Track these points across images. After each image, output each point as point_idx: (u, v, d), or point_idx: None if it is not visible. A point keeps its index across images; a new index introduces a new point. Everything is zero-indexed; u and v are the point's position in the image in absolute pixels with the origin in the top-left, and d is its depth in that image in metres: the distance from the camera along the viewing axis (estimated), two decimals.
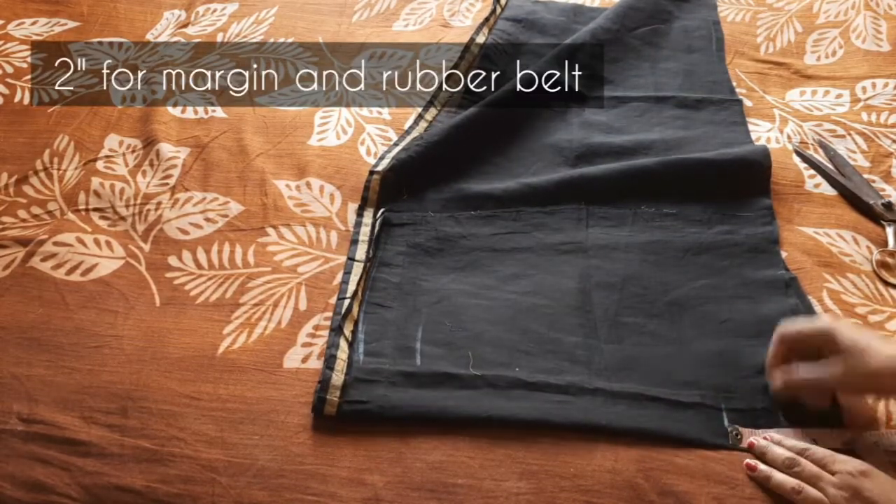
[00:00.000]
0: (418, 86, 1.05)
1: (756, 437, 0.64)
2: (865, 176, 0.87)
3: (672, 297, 0.76)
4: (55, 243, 0.83)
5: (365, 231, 0.84)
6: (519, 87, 0.98)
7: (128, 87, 1.06)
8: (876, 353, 0.60)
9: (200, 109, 1.02)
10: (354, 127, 0.98)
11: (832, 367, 0.62)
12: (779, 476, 0.61)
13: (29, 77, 1.08)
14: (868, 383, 0.61)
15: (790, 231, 0.82)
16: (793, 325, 0.66)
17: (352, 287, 0.77)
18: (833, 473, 0.59)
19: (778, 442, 0.63)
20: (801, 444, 0.62)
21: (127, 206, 0.88)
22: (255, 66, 1.09)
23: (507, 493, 0.61)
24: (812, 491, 0.59)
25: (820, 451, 0.61)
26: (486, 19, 1.15)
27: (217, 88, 1.06)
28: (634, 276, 0.78)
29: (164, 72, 1.07)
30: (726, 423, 0.65)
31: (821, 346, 0.63)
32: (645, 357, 0.71)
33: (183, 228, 0.85)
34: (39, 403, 0.69)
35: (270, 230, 0.85)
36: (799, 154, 0.91)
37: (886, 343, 0.61)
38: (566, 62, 1.04)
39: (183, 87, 1.05)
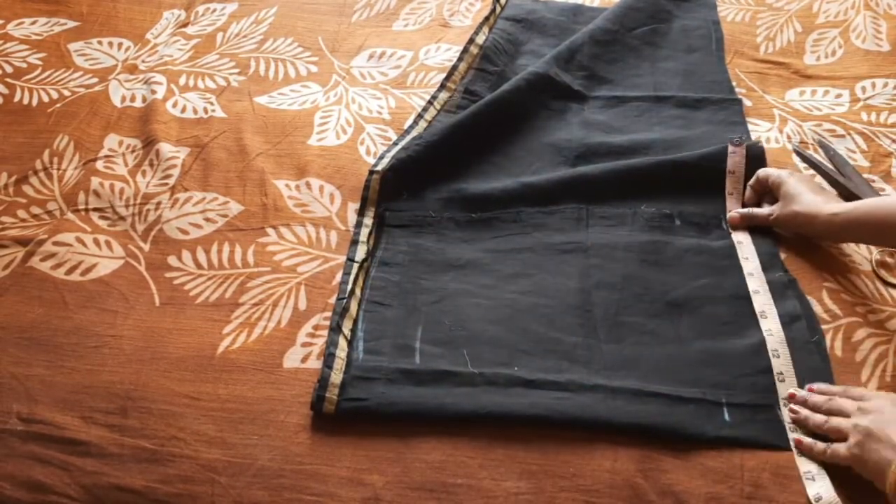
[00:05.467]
0: (418, 86, 1.05)
1: (796, 389, 0.67)
2: (865, 176, 0.87)
3: (672, 297, 0.76)
4: (55, 243, 0.83)
5: (365, 231, 0.84)
6: (519, 86, 0.98)
7: (128, 87, 1.06)
8: (802, 200, 0.77)
9: (200, 109, 1.02)
10: (354, 127, 0.98)
11: (774, 208, 0.80)
12: (812, 417, 0.64)
13: (29, 77, 1.08)
14: (792, 222, 0.79)
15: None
16: (764, 170, 0.83)
17: (351, 286, 0.77)
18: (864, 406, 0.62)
19: (818, 390, 0.66)
20: (839, 388, 0.66)
21: (126, 206, 0.88)
22: (254, 65, 1.09)
23: (507, 493, 0.61)
24: (835, 420, 0.62)
25: (857, 390, 0.65)
26: (486, 19, 1.15)
27: (217, 88, 1.06)
28: (634, 276, 0.78)
29: (164, 72, 1.07)
30: (727, 417, 0.65)
31: (776, 191, 0.81)
32: (645, 356, 0.71)
33: (182, 228, 0.85)
34: (39, 403, 0.69)
35: (270, 230, 0.85)
36: (799, 154, 0.91)
37: (817, 194, 0.78)
38: (566, 62, 1.04)
39: (183, 87, 1.05)
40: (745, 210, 0.83)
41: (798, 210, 0.77)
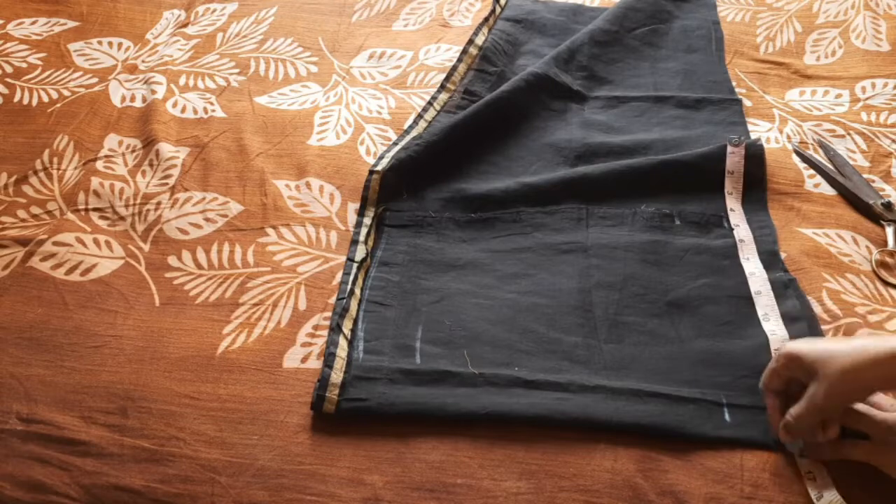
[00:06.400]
0: (418, 86, 1.05)
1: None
2: (865, 176, 0.87)
3: (672, 296, 0.76)
4: (55, 243, 0.83)
5: (365, 231, 0.84)
6: (518, 87, 0.98)
7: (128, 87, 1.06)
8: (842, 353, 0.58)
9: (200, 109, 1.02)
10: (354, 127, 0.98)
11: (813, 391, 0.58)
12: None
13: (29, 77, 1.08)
14: (851, 386, 0.58)
15: (789, 231, 0.82)
16: (765, 373, 0.64)
17: (350, 286, 0.77)
18: None
19: None
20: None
21: (126, 206, 0.88)
22: (254, 65, 1.09)
23: (507, 493, 0.61)
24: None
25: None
26: (486, 19, 1.15)
27: (217, 88, 1.06)
28: (634, 276, 0.78)
29: (164, 72, 1.07)
30: (727, 417, 0.65)
31: (801, 378, 0.60)
32: (645, 356, 0.71)
33: (182, 228, 0.85)
34: (39, 403, 0.69)
35: (270, 230, 0.85)
36: (798, 154, 0.91)
37: (847, 341, 0.60)
38: (565, 62, 1.04)
39: (183, 87, 1.05)
40: (791, 422, 0.60)
41: (849, 364, 0.57)
